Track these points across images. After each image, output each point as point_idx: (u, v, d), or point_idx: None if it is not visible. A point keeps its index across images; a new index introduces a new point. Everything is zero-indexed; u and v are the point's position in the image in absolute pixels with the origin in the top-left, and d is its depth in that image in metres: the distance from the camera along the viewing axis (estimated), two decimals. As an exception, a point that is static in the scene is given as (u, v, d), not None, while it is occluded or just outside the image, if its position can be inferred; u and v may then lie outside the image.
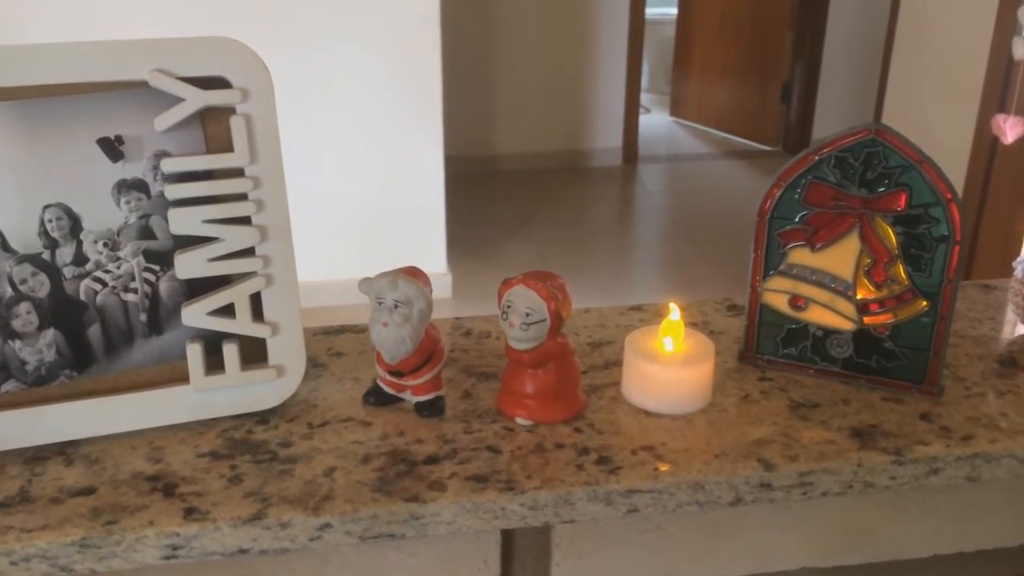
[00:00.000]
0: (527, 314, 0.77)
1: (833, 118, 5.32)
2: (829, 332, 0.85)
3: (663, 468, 0.75)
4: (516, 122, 5.12)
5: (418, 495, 0.72)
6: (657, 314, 1.00)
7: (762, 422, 0.81)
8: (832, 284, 0.83)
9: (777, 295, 0.86)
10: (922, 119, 3.70)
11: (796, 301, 0.85)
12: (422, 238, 3.47)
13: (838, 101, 5.30)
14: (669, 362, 0.81)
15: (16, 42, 0.74)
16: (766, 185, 0.83)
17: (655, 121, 6.16)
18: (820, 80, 5.30)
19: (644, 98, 5.74)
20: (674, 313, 0.82)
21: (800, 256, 0.83)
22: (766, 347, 0.88)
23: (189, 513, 0.69)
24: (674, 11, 6.18)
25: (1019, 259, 0.91)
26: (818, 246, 0.82)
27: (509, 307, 0.77)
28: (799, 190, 0.81)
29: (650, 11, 5.34)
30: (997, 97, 3.43)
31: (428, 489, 0.72)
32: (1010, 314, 0.98)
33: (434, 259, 3.49)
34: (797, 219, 0.82)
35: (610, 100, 5.25)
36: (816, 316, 0.85)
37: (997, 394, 0.84)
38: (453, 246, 3.63)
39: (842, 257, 0.82)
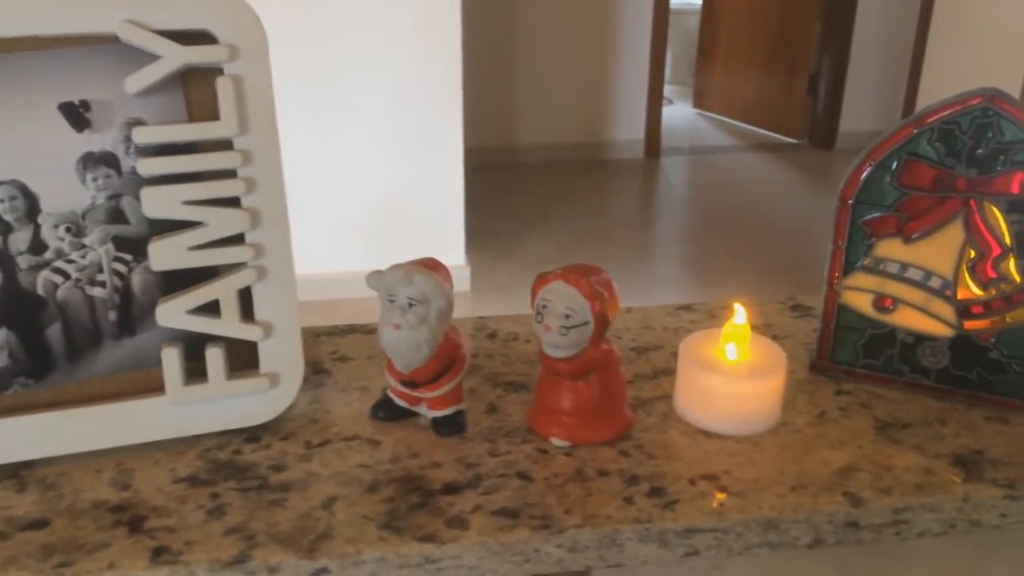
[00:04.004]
0: (567, 316, 0.64)
1: (861, 111, 5.17)
2: (921, 339, 0.72)
3: (729, 502, 0.62)
4: (537, 113, 4.99)
5: (435, 533, 0.59)
6: (710, 315, 0.87)
7: (844, 445, 0.68)
8: (927, 282, 0.70)
9: (859, 294, 0.73)
10: (961, 110, 3.55)
11: (882, 302, 0.72)
12: (440, 230, 3.35)
13: (867, 93, 5.15)
14: (733, 373, 0.69)
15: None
16: (851, 164, 0.70)
17: (678, 113, 6.01)
18: (848, 72, 5.14)
19: (667, 89, 5.58)
20: (739, 315, 0.69)
21: (889, 248, 0.70)
22: (844, 355, 0.75)
23: (158, 554, 0.57)
24: (698, 1, 6.02)
25: None
26: (913, 236, 0.69)
27: (545, 307, 0.65)
28: (892, 169, 0.68)
29: (674, 1, 5.19)
30: (1040, 87, 3.27)
31: (447, 526, 0.60)
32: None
33: (453, 251, 3.37)
34: (888, 204, 0.69)
35: (633, 91, 5.11)
36: (906, 319, 0.72)
37: (1124, 415, 0.71)
38: (472, 238, 3.51)
39: (941, 250, 0.69)
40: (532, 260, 3.69)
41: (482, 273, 3.46)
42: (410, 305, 0.65)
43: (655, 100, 5.16)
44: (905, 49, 4.91)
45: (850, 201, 0.70)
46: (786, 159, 5.21)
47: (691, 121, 5.93)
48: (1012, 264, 0.67)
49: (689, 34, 6.39)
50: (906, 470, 0.65)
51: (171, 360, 0.67)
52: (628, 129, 5.20)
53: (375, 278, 0.67)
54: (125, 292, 0.67)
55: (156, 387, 0.68)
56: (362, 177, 3.24)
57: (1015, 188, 0.65)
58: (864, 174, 0.69)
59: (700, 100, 6.05)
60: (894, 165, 0.68)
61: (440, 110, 3.23)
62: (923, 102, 3.79)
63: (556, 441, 0.68)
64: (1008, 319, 0.68)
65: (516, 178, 4.85)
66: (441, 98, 3.22)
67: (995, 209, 0.66)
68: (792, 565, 0.69)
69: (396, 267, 0.66)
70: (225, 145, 0.66)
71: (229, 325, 0.67)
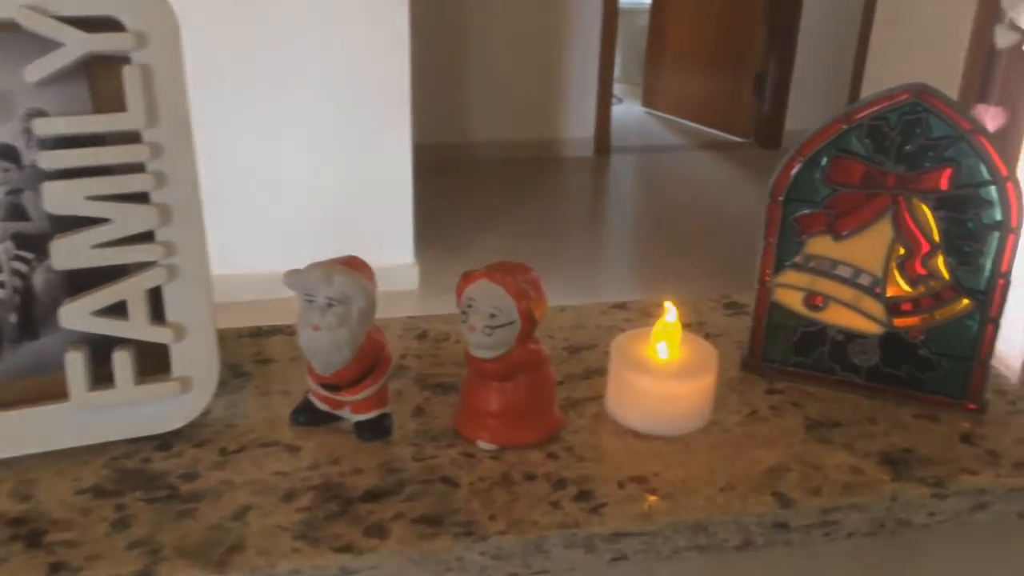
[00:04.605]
0: (492, 315, 0.62)
1: (806, 110, 5.23)
2: (852, 336, 0.71)
3: (657, 505, 0.60)
4: (487, 111, 4.97)
5: (352, 543, 0.57)
6: (645, 313, 0.86)
7: (774, 445, 0.67)
8: (857, 279, 0.69)
9: (791, 292, 0.72)
10: (902, 110, 3.61)
11: (813, 299, 0.71)
12: (389, 228, 3.31)
13: (811, 92, 5.21)
14: (664, 373, 0.67)
15: None
16: (781, 161, 0.69)
17: (627, 111, 6.03)
18: (793, 71, 5.21)
19: (616, 88, 5.60)
20: (670, 313, 0.68)
21: (820, 246, 0.70)
22: (775, 353, 0.74)
23: (55, 570, 0.54)
24: (647, 0, 6.05)
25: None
26: (843, 233, 0.68)
27: (470, 306, 0.63)
28: (822, 166, 0.67)
29: (623, 0, 5.20)
30: (978, 87, 3.34)
31: (365, 535, 0.58)
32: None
33: (401, 250, 3.33)
34: (818, 201, 0.68)
35: (582, 89, 5.11)
36: (836, 317, 0.71)
37: (1050, 411, 0.71)
38: (421, 237, 3.47)
39: (871, 247, 0.68)
40: (482, 258, 3.64)
41: (431, 272, 3.42)
42: (329, 305, 0.62)
43: (605, 98, 5.17)
44: (848, 50, 4.99)
45: (780, 198, 0.70)
46: (733, 158, 5.26)
47: (640, 120, 5.96)
48: (940, 261, 0.67)
49: (638, 33, 6.41)
50: (835, 469, 0.64)
51: (75, 364, 0.63)
52: (578, 127, 5.20)
53: (293, 277, 0.64)
54: (26, 293, 0.64)
55: (60, 393, 0.64)
56: (309, 175, 3.19)
57: (943, 184, 0.65)
58: (794, 171, 0.68)
59: (649, 99, 6.08)
60: (824, 162, 0.67)
61: (388, 107, 3.19)
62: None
63: (483, 444, 0.66)
64: (937, 316, 0.68)
65: (466, 176, 4.82)
66: (389, 95, 3.18)
67: (923, 206, 0.66)
68: (723, 568, 0.68)
69: (315, 265, 0.64)
70: (133, 138, 0.63)
71: (138, 327, 0.64)
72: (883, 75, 3.75)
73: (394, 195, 3.30)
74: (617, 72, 5.53)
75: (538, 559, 0.59)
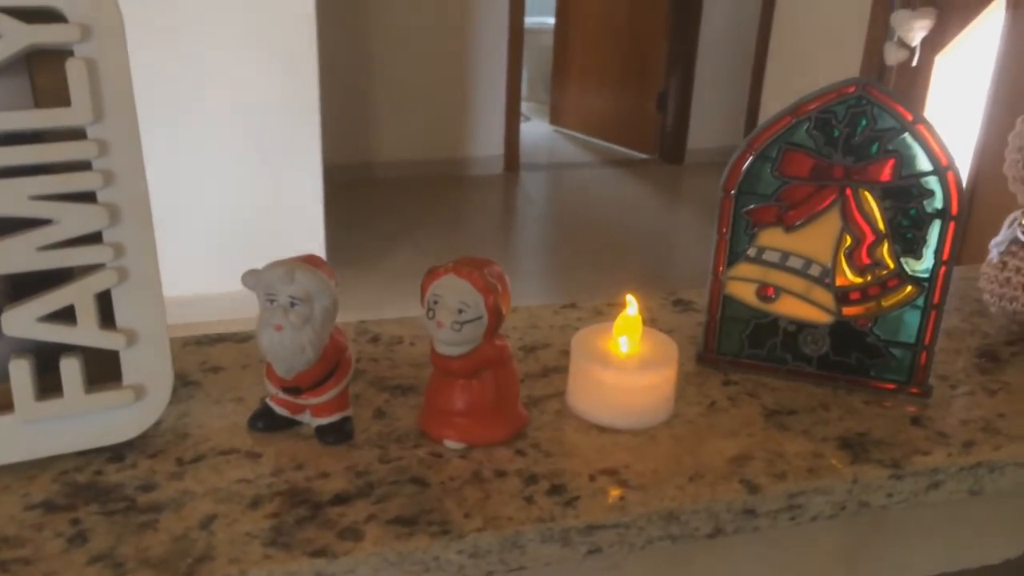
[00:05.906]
0: (460, 311, 0.61)
1: (708, 126, 5.40)
2: (803, 326, 0.73)
3: (630, 496, 0.61)
4: (396, 130, 4.95)
5: (326, 547, 0.55)
6: (596, 312, 0.87)
7: (736, 434, 0.68)
8: (808, 270, 0.71)
9: (743, 284, 0.74)
10: (801, 125, 3.75)
11: (765, 291, 0.73)
12: (300, 247, 3.24)
13: (712, 109, 5.38)
14: (626, 366, 0.68)
15: None
16: (733, 155, 0.70)
17: (535, 129, 6.10)
18: (694, 89, 5.37)
19: (524, 106, 5.67)
20: (631, 307, 0.69)
21: (771, 238, 0.71)
22: (729, 346, 0.76)
23: (10, 590, 0.51)
24: (551, 20, 6.15)
25: (995, 240, 0.82)
26: (793, 225, 0.70)
27: (436, 302, 0.62)
28: (772, 159, 0.69)
29: (528, 20, 5.27)
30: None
31: (339, 538, 0.56)
32: (981, 303, 0.90)
33: (312, 269, 3.28)
34: (769, 194, 0.70)
35: (490, 108, 5.15)
36: (788, 308, 0.73)
37: (988, 393, 0.75)
38: (332, 256, 3.43)
39: (820, 238, 0.70)
40: (395, 275, 3.64)
41: (345, 291, 3.37)
42: (292, 304, 0.61)
43: (513, 117, 5.22)
44: (745, 68, 5.18)
45: (732, 191, 0.71)
46: (638, 174, 5.37)
47: (548, 137, 6.03)
48: (886, 249, 0.69)
49: (544, 52, 6.51)
50: (797, 455, 0.66)
51: (20, 373, 0.60)
52: (487, 145, 5.24)
53: (252, 277, 0.62)
54: (-38, 299, 0.60)
55: (4, 404, 0.60)
56: (218, 197, 3.12)
57: (887, 175, 0.67)
58: (745, 164, 0.70)
59: (556, 117, 6.16)
60: (774, 154, 0.69)
61: (298, 127, 3.16)
62: (765, 114, 4.00)
63: (450, 443, 0.65)
64: (883, 304, 0.71)
65: (377, 195, 4.79)
66: (298, 115, 3.14)
67: (869, 196, 0.68)
68: (687, 558, 0.69)
69: (276, 264, 0.62)
70: (78, 134, 0.60)
71: (86, 333, 0.61)
72: (779, 91, 3.90)
73: (306, 216, 3.27)
74: (524, 91, 5.59)
75: (515, 555, 0.58)
